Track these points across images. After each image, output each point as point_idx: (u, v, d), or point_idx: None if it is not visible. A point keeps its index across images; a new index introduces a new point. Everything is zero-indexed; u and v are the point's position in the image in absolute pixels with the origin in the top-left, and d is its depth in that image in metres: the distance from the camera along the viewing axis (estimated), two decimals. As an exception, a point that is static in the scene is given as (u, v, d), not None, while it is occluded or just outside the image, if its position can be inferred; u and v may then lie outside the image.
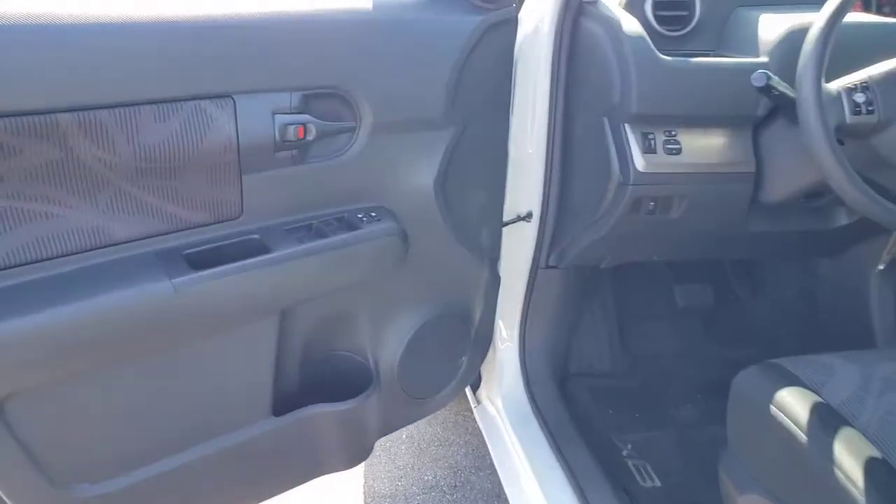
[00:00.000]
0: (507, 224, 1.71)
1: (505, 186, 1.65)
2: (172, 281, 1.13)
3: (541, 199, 1.75)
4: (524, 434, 1.82)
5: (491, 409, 1.93)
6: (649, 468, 1.80)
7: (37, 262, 1.06)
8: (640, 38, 1.49)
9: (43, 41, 0.98)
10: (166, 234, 1.19)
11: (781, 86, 1.35)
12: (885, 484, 0.96)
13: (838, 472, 1.00)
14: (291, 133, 1.23)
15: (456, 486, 2.15)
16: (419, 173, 1.44)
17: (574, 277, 1.92)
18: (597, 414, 1.95)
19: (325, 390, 1.49)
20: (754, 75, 1.35)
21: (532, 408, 1.87)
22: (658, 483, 1.75)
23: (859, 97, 1.34)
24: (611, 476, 1.66)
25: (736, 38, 1.63)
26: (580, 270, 1.90)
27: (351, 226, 1.36)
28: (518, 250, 1.77)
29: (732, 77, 1.49)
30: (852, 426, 1.06)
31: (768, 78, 1.32)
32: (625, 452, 1.81)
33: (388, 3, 1.32)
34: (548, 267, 1.85)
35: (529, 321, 1.90)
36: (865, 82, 1.35)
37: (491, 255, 1.66)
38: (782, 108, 1.50)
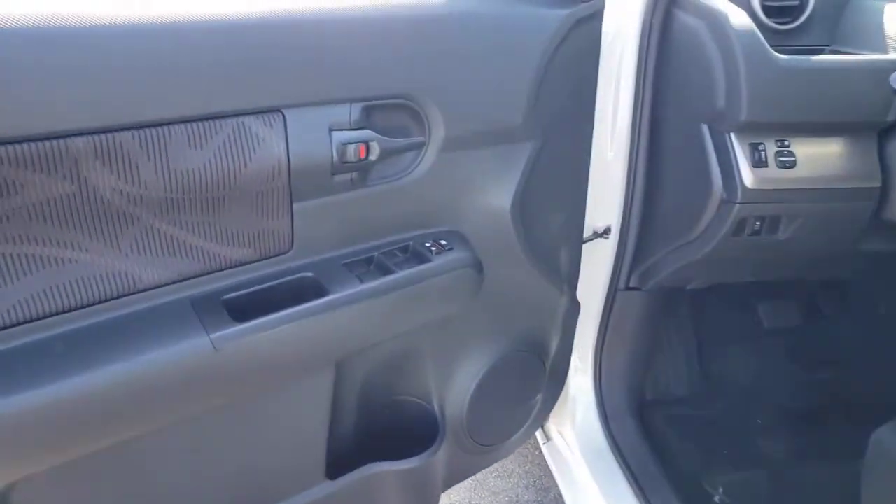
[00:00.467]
0: (583, 242, 1.50)
1: (586, 203, 1.43)
2: (211, 336, 0.94)
3: (620, 213, 1.54)
4: (602, 475, 1.62)
5: (562, 446, 1.73)
6: (746, 518, 1.60)
7: (45, 317, 0.88)
8: (751, 32, 1.26)
9: (45, 47, 0.78)
10: (203, 275, 1.00)
11: None
12: None
13: None
14: (352, 153, 1.03)
15: (516, 522, 1.96)
16: (495, 193, 1.23)
17: (655, 299, 1.71)
18: (680, 450, 1.75)
19: (384, 442, 1.30)
20: (895, 76, 1.13)
21: (610, 445, 1.67)
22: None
23: None
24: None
25: (855, 31, 1.39)
26: (662, 291, 1.68)
27: (418, 256, 1.16)
28: (593, 270, 1.57)
29: (862, 78, 1.26)
30: None
31: None
32: (717, 498, 1.61)
33: (461, -5, 1.11)
34: (628, 289, 1.64)
35: (606, 348, 1.69)
36: None
37: (570, 280, 1.45)
38: None
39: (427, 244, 1.18)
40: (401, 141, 1.10)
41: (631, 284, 1.64)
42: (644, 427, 1.74)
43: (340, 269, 1.10)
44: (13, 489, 0.90)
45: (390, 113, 1.08)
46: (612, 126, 1.48)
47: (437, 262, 1.15)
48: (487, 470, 2.11)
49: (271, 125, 0.96)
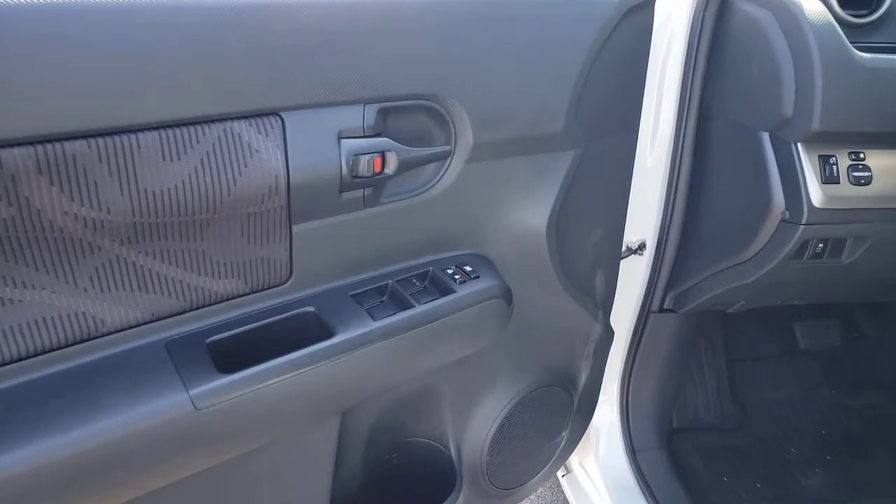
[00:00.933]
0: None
1: (626, 218, 1.26)
2: (191, 392, 0.76)
3: (658, 227, 1.36)
4: (629, 514, 1.46)
5: (584, 479, 1.57)
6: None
7: None
8: (829, 26, 1.08)
9: None
10: (182, 313, 0.82)
11: None
12: None
13: None
14: (365, 165, 0.85)
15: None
16: (528, 210, 1.05)
17: (689, 322, 1.54)
18: (712, 484, 1.59)
19: (394, 489, 1.13)
20: None
21: (637, 480, 1.51)
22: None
23: None
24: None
25: None
26: (698, 313, 1.52)
27: (439, 285, 0.98)
28: (623, 289, 1.40)
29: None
30: None
31: None
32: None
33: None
34: (661, 311, 1.47)
35: (634, 375, 1.53)
36: None
37: (605, 305, 1.28)
38: None
39: (449, 270, 1.00)
40: (423, 151, 0.91)
41: (665, 306, 1.47)
42: (673, 459, 1.58)
43: (348, 301, 0.92)
44: None
45: (411, 117, 0.90)
46: (653, 129, 1.31)
47: (463, 292, 0.97)
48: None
49: (266, 132, 0.78)
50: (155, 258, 0.78)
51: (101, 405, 0.74)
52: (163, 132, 0.72)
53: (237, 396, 0.79)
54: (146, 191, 0.72)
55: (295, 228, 0.86)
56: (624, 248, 1.38)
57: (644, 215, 1.37)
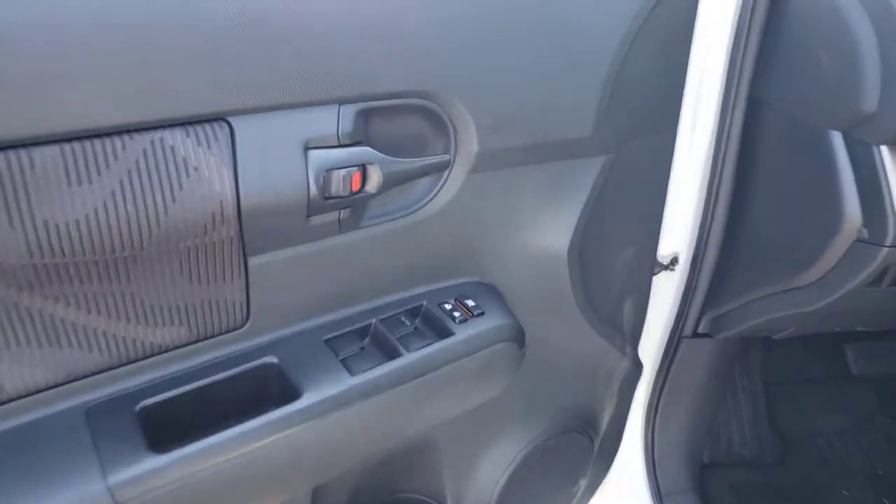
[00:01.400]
0: None
1: (660, 233, 1.07)
2: (110, 480, 0.59)
3: (694, 239, 1.17)
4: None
5: (603, 527, 1.39)
6: None
7: None
8: None
9: None
10: (106, 371, 0.65)
11: None
12: None
13: None
14: (340, 183, 0.67)
15: None
16: (546, 229, 0.87)
17: (727, 348, 1.35)
18: (750, 532, 1.40)
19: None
20: None
21: (665, 530, 1.33)
22: None
23: None
24: None
25: None
26: (739, 338, 1.33)
27: (435, 325, 0.80)
28: (650, 310, 1.21)
29: None
30: None
31: None
32: None
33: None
34: (695, 336, 1.28)
35: (661, 409, 1.34)
36: None
37: (633, 337, 1.09)
38: None
39: (447, 306, 0.82)
40: (415, 162, 0.73)
41: (700, 330, 1.28)
42: (705, 502, 1.39)
43: (320, 349, 0.74)
44: None
45: (400, 120, 0.72)
46: (690, 126, 1.11)
47: (464, 334, 0.79)
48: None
49: (209, 143, 0.60)
50: (68, 305, 0.60)
51: None
52: (66, 147, 0.54)
53: (174, 483, 0.62)
54: (46, 223, 0.55)
55: (251, 261, 0.68)
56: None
57: (678, 224, 1.17)
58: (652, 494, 1.35)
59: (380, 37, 0.66)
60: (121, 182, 0.56)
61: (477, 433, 0.98)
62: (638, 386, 1.29)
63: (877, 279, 1.00)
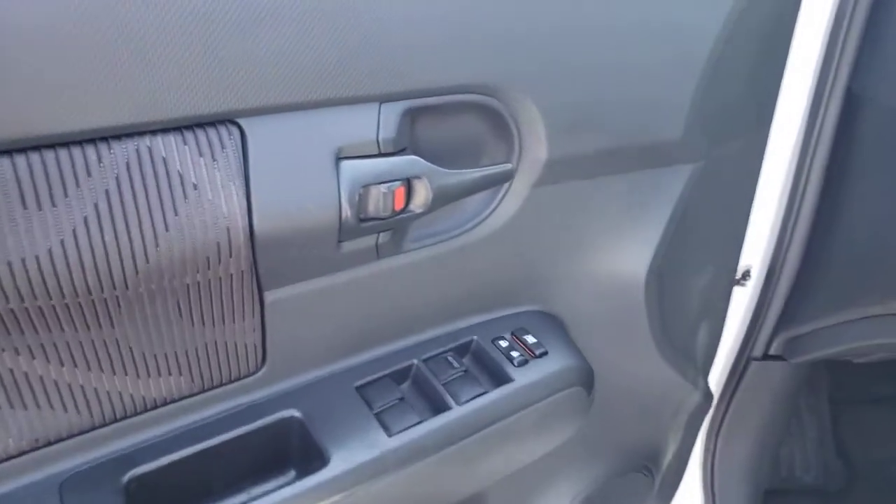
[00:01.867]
0: None
1: (741, 250, 0.92)
2: None
3: (771, 250, 1.02)
4: None
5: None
6: None
7: None
8: None
9: None
10: (89, 432, 0.52)
11: None
12: None
13: None
14: (380, 201, 0.53)
15: None
16: (621, 250, 0.73)
17: (799, 371, 1.20)
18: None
19: None
20: None
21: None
22: None
23: None
24: None
25: None
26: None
27: (488, 367, 0.67)
28: None
29: None
30: None
31: None
32: None
33: None
34: (766, 358, 1.13)
35: (722, 438, 1.20)
36: None
37: (705, 366, 0.95)
38: None
39: (503, 343, 0.68)
40: (471, 173, 0.59)
41: (771, 352, 1.13)
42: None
43: (351, 399, 0.61)
44: None
45: (453, 121, 0.58)
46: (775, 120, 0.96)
47: (524, 380, 0.65)
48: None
49: (213, 153, 0.46)
50: (33, 357, 0.47)
51: None
52: (20, 159, 0.41)
53: None
54: (9, 254, 0.42)
55: (268, 296, 0.55)
56: (724, 279, 1.04)
57: (752, 233, 1.02)
58: None
59: (432, 18, 0.51)
60: (95, 206, 0.43)
61: (528, 480, 0.84)
62: None
63: None
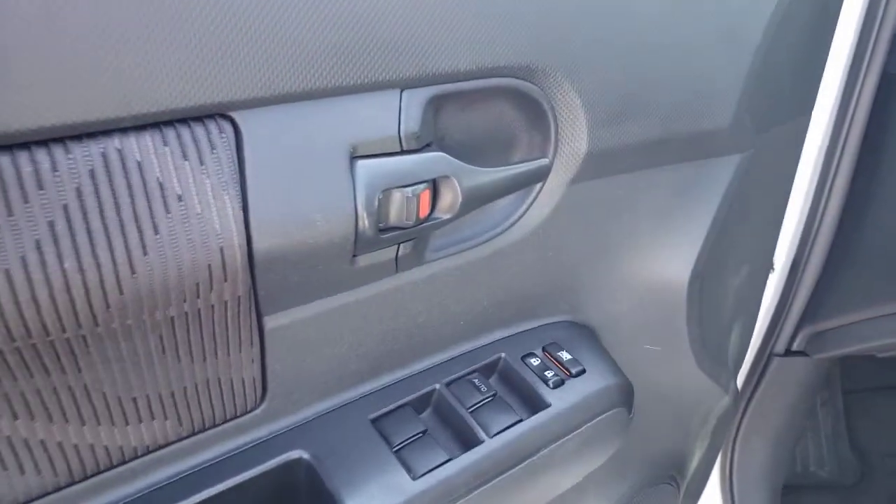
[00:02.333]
0: None
1: (776, 246, 0.85)
2: None
3: (796, 241, 0.95)
4: None
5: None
6: None
7: None
8: None
9: None
10: (45, 496, 0.43)
11: None
12: None
13: None
14: (403, 207, 0.44)
15: None
16: (663, 255, 0.65)
17: (821, 367, 1.14)
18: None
19: None
20: None
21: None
22: None
23: None
24: None
25: None
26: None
27: (520, 389, 0.59)
28: None
29: None
30: None
31: None
32: None
33: None
34: (788, 353, 1.07)
35: (742, 437, 1.14)
36: None
37: (735, 368, 0.88)
38: None
39: (534, 360, 0.60)
40: (505, 171, 0.50)
41: (794, 348, 1.07)
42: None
43: (365, 434, 0.52)
44: None
45: (482, 109, 0.49)
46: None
47: (562, 403, 0.57)
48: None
49: (201, 155, 0.37)
50: None
51: None
52: None
53: None
54: None
55: (268, 322, 0.46)
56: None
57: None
58: None
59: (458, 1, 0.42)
60: (51, 226, 0.34)
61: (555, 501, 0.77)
62: None
63: None
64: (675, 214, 0.63)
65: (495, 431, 0.54)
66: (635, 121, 0.54)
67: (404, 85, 0.43)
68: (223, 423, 0.48)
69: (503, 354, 0.60)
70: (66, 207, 0.34)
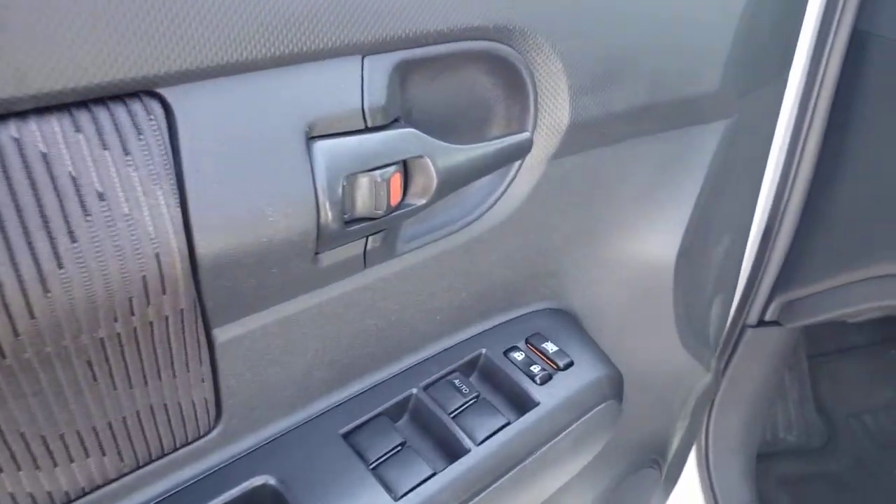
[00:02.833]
0: None
1: (754, 213, 0.82)
2: None
3: (768, 207, 0.93)
4: None
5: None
6: None
7: None
8: None
9: None
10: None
11: None
12: None
13: None
14: (372, 194, 0.38)
15: None
16: (648, 231, 0.60)
17: (794, 335, 1.12)
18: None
19: None
20: None
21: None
22: None
23: None
24: None
25: None
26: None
27: (504, 387, 0.54)
28: None
29: None
30: None
31: None
32: None
33: None
34: (761, 324, 1.05)
35: (716, 412, 1.12)
36: None
37: (716, 344, 0.85)
38: None
39: (517, 354, 0.55)
40: (484, 147, 0.44)
41: (767, 318, 1.05)
42: (763, 507, 1.20)
43: (337, 451, 0.47)
44: None
45: (454, 78, 0.43)
46: None
47: (551, 401, 0.52)
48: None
49: (125, 143, 0.30)
50: None
51: None
52: None
53: None
54: None
55: (219, 336, 0.39)
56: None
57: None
58: None
59: None
60: None
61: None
62: None
63: None
64: (660, 188, 0.58)
65: (482, 438, 0.49)
66: (620, 87, 0.49)
67: (366, 51, 0.37)
68: (173, 451, 0.42)
69: (484, 350, 0.54)
70: None
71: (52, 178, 0.28)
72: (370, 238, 0.41)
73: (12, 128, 0.27)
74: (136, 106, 0.30)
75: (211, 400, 0.42)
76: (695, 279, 0.68)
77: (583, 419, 0.54)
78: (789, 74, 0.73)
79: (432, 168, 0.41)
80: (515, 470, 0.49)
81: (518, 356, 0.54)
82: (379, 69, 0.37)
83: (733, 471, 1.15)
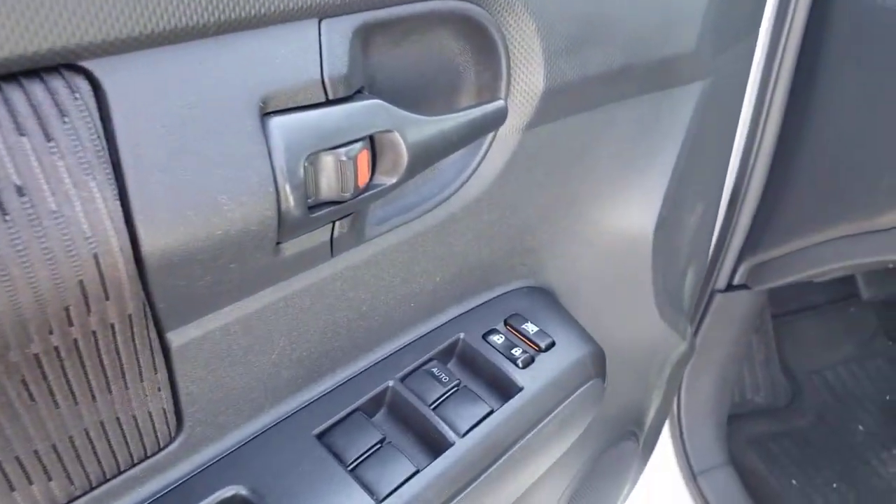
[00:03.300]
0: None
1: (725, 177, 0.80)
2: None
3: (735, 169, 0.92)
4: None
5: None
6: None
7: None
8: None
9: None
10: None
11: None
12: None
13: None
14: (338, 175, 0.34)
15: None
16: (626, 202, 0.57)
17: (761, 297, 1.13)
18: (781, 491, 1.24)
19: None
20: None
21: (701, 513, 1.13)
22: None
23: None
24: None
25: None
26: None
27: (485, 373, 0.51)
28: None
29: None
30: None
31: None
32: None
33: None
34: (729, 288, 1.05)
35: (688, 377, 1.12)
36: None
37: (689, 312, 0.84)
38: None
39: (497, 337, 0.52)
40: (457, 119, 0.41)
41: (736, 282, 1.04)
42: (738, 471, 1.21)
43: (312, 454, 0.43)
44: None
45: (420, 42, 0.39)
46: None
47: (534, 384, 0.50)
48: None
49: (47, 128, 0.26)
50: None
51: None
52: None
53: None
54: None
55: (174, 339, 0.35)
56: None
57: None
58: (685, 476, 1.15)
59: None
60: None
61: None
62: None
63: None
64: (639, 156, 0.55)
65: (466, 429, 0.46)
66: (596, 48, 0.46)
67: (323, 13, 0.33)
68: (130, 468, 0.38)
69: (462, 335, 0.51)
70: None
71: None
72: (337, 223, 0.38)
73: None
74: (57, 83, 0.26)
75: (170, 409, 0.38)
76: (672, 248, 0.67)
77: (568, 401, 0.51)
78: (759, 32, 0.71)
79: (402, 143, 0.37)
80: (501, 460, 0.47)
81: (498, 339, 0.51)
82: (338, 34, 0.33)
83: (706, 435, 1.16)
